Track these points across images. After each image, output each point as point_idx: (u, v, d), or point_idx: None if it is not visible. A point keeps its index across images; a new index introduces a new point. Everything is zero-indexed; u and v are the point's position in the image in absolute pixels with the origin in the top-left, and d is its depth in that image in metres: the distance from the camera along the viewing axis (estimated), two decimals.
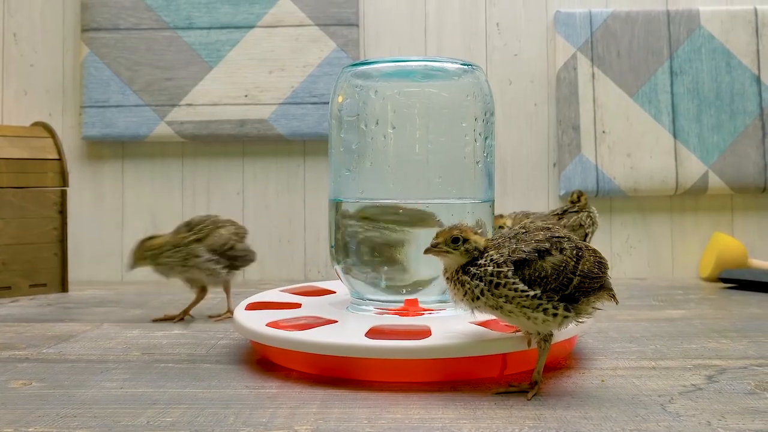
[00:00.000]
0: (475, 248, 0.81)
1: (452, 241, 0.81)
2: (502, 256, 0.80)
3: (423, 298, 1.03)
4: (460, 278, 0.81)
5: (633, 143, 1.82)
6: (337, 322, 0.95)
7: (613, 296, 0.84)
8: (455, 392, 0.83)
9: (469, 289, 0.80)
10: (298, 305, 1.08)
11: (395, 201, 1.04)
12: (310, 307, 1.07)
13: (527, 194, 1.87)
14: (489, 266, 0.79)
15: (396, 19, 1.89)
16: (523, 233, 0.82)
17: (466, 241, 0.81)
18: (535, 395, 0.81)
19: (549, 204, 1.86)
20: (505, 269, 0.79)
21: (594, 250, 0.83)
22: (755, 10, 1.82)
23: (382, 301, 1.04)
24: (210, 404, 0.79)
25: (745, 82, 1.81)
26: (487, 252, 0.81)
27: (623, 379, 0.88)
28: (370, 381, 0.87)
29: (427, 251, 0.83)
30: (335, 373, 0.89)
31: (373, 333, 0.89)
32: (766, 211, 1.86)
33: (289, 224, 1.88)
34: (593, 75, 1.83)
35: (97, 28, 1.84)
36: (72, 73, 1.89)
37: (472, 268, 0.80)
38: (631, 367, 0.94)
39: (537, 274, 0.78)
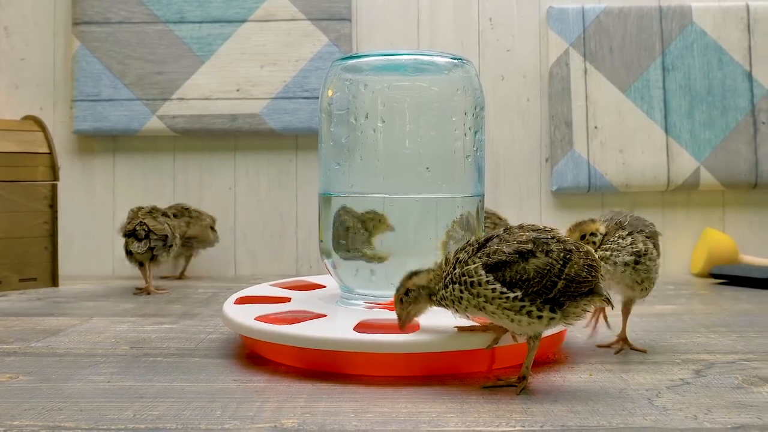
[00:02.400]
0: (425, 286, 0.83)
1: (401, 301, 0.84)
2: (467, 253, 0.80)
3: None
4: (439, 296, 0.82)
5: (625, 139, 1.82)
6: (326, 316, 0.95)
7: (607, 300, 0.82)
8: (443, 386, 0.83)
9: (450, 295, 0.81)
10: (287, 299, 1.08)
11: (385, 195, 1.03)
12: (300, 301, 1.06)
13: (519, 190, 1.87)
14: (456, 269, 0.80)
15: (388, 14, 1.88)
16: (506, 233, 0.82)
17: (409, 291, 0.83)
18: (523, 390, 0.81)
19: (541, 199, 1.86)
20: (473, 266, 0.78)
21: (587, 252, 0.81)
22: (747, 6, 1.82)
23: (372, 296, 1.04)
24: (197, 398, 0.79)
25: (737, 78, 1.81)
26: (453, 260, 0.82)
27: (611, 374, 0.88)
28: (358, 375, 0.87)
29: (401, 327, 0.86)
30: (323, 367, 0.88)
31: (362, 327, 0.89)
32: (757, 207, 1.86)
33: (281, 219, 1.88)
34: (585, 71, 1.83)
35: (88, 21, 1.84)
36: (63, 67, 1.89)
37: (440, 285, 0.82)
38: (619, 362, 0.94)
39: (518, 276, 0.77)
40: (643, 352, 0.97)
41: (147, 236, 1.49)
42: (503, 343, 0.85)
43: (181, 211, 1.73)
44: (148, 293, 1.52)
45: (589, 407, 0.75)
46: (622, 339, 1.00)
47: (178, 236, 1.60)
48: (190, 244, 1.74)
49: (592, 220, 0.99)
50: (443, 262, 0.83)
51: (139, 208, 1.57)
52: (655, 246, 0.97)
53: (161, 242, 1.51)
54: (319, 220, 1.12)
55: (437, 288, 0.82)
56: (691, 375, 0.88)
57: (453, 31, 1.88)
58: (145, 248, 1.48)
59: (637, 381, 0.85)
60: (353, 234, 1.03)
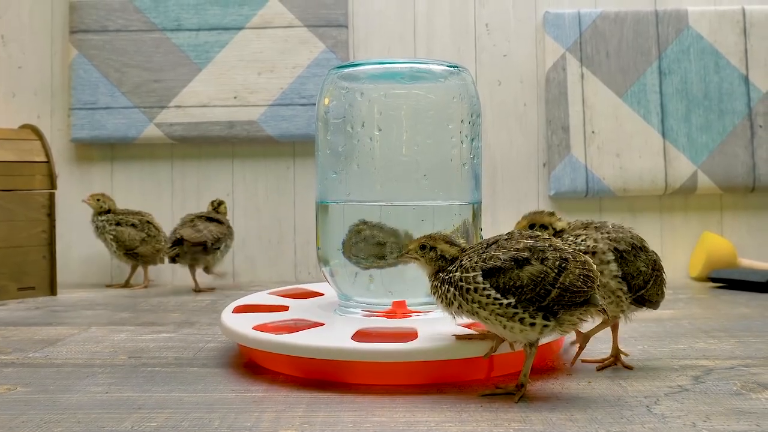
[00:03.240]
0: (441, 256, 0.83)
1: (420, 248, 0.84)
2: (471, 260, 0.80)
3: (411, 300, 1.03)
4: (434, 284, 0.83)
5: (622, 143, 1.82)
6: (324, 324, 0.95)
7: (603, 311, 0.82)
8: (441, 395, 0.83)
9: (442, 293, 0.82)
10: (285, 308, 1.08)
11: (381, 203, 1.03)
12: (298, 309, 1.06)
13: (517, 195, 1.87)
14: (457, 272, 0.81)
15: (385, 20, 1.88)
16: (505, 239, 0.82)
17: (432, 249, 0.83)
18: (521, 398, 0.80)
19: (539, 204, 1.86)
20: (472, 274, 0.79)
21: (584, 262, 0.81)
22: (743, 10, 1.82)
23: (370, 304, 1.04)
24: (195, 408, 0.79)
25: (734, 81, 1.81)
26: (460, 259, 0.82)
27: (610, 381, 0.88)
28: (357, 384, 0.87)
29: (398, 257, 0.88)
30: (322, 376, 0.88)
31: (360, 336, 0.89)
32: (755, 210, 1.86)
33: (279, 226, 1.88)
34: (582, 75, 1.83)
35: (85, 29, 1.84)
36: (60, 75, 1.89)
37: (441, 274, 0.83)
38: (617, 368, 0.94)
39: (512, 283, 0.78)
40: (629, 368, 0.94)
41: (180, 243, 1.64)
42: (501, 351, 0.85)
43: (145, 224, 1.75)
44: (198, 291, 1.68)
45: (588, 415, 0.75)
46: (614, 356, 0.96)
47: (224, 238, 1.69)
48: (136, 258, 1.75)
49: (551, 213, 0.96)
50: (459, 250, 0.84)
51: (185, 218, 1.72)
52: (622, 255, 0.91)
53: (199, 247, 1.64)
54: (316, 227, 1.12)
55: (438, 274, 0.83)
56: (689, 381, 0.88)
57: (450, 37, 1.88)
58: (173, 253, 1.64)
59: (635, 388, 0.85)
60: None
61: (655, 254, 0.95)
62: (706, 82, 1.82)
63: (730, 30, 1.82)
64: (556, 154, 1.83)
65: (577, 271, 0.79)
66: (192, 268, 1.68)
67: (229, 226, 1.73)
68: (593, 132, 1.82)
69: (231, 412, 0.78)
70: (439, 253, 0.83)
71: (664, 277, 0.97)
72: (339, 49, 1.83)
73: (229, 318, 1.00)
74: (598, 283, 0.81)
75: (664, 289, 0.97)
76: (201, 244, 1.64)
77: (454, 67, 1.06)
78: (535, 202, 1.87)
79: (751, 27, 1.82)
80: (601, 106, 1.83)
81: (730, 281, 1.65)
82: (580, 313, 0.80)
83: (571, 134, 1.83)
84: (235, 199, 1.88)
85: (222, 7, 1.83)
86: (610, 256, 0.90)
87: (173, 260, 1.65)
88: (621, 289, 0.91)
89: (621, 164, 1.82)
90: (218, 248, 1.68)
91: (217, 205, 1.75)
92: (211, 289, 1.71)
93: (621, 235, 0.93)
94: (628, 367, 0.94)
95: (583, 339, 0.95)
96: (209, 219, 1.70)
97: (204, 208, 1.81)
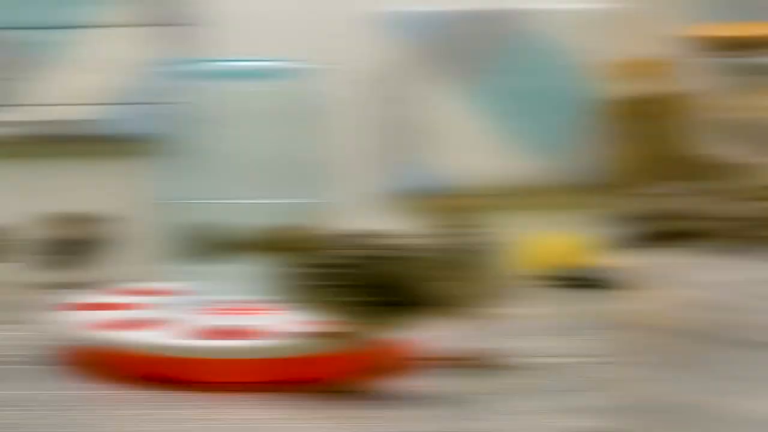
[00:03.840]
0: None
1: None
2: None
3: (257, 296, 1.02)
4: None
5: (465, 143, 1.84)
6: (166, 321, 0.93)
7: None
8: (282, 392, 0.82)
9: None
10: (131, 305, 1.05)
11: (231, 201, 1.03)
12: (144, 306, 1.04)
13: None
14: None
15: (247, 19, 1.83)
16: None
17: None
18: (361, 394, 0.81)
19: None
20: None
21: None
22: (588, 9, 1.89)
23: (218, 300, 1.03)
24: (8, 408, 0.75)
25: (577, 79, 1.87)
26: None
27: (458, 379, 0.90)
28: (197, 382, 0.84)
29: None
30: (161, 373, 0.86)
31: (203, 332, 0.88)
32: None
33: None
34: (424, 75, 1.84)
35: None
36: None
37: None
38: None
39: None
40: (478, 367, 0.94)
41: None
42: (345, 349, 0.86)
43: None
44: None
45: (432, 412, 0.77)
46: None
47: None
48: None
49: None
50: None
51: None
52: None
53: None
54: None
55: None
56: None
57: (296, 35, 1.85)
58: None
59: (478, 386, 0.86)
60: None
61: None
62: (548, 80, 1.87)
63: (576, 28, 1.87)
64: (397, 154, 1.83)
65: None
66: None
67: None
68: (435, 132, 1.84)
69: (53, 411, 0.75)
70: None
71: None
72: (188, 48, 1.78)
73: (65, 316, 0.97)
74: None
75: None
76: None
77: (293, 63, 1.08)
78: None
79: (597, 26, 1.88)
80: (444, 106, 1.85)
81: (570, 280, 1.67)
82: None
83: (413, 135, 1.84)
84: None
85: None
86: None
87: None
88: None
89: (460, 163, 1.84)
90: None
91: None
92: None
93: None
94: (478, 366, 0.95)
95: None
96: None
97: None
